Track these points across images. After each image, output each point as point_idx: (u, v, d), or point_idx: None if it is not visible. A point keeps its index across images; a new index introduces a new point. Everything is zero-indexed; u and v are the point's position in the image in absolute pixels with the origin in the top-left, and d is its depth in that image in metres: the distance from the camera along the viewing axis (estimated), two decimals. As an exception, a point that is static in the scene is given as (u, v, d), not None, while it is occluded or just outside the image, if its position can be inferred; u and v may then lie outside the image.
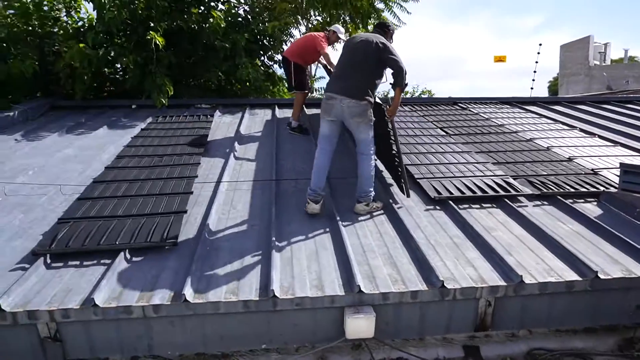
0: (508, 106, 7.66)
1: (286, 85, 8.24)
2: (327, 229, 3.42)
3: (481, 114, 6.97)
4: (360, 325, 2.61)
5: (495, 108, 7.46)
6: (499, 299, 2.79)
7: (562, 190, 4.04)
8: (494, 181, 4.21)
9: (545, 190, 4.02)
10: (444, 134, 5.89)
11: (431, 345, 2.95)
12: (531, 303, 2.83)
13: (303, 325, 2.71)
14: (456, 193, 3.96)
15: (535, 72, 11.64)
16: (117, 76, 8.01)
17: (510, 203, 3.81)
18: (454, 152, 5.07)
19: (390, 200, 3.90)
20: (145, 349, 2.65)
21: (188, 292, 2.57)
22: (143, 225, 3.31)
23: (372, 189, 3.62)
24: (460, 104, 7.71)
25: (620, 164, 3.80)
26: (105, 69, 7.56)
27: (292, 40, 8.90)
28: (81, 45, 6.45)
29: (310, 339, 2.76)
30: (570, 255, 2.98)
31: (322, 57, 5.71)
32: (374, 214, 3.63)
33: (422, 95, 20.35)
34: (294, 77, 5.75)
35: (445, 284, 2.68)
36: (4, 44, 6.85)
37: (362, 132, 3.57)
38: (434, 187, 4.08)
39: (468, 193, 3.96)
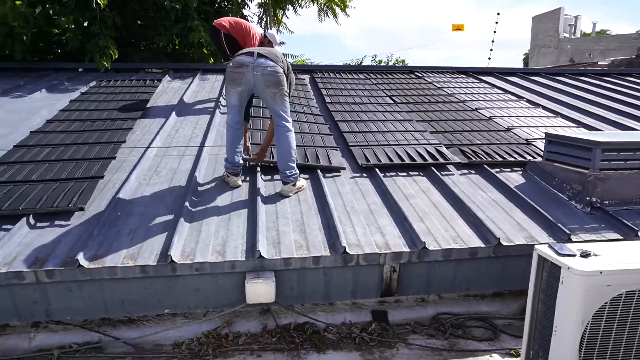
0: (464, 76, 7.62)
1: None
2: (246, 196, 3.37)
3: (434, 83, 6.93)
4: (259, 290, 2.61)
5: (450, 78, 7.42)
6: (403, 265, 2.82)
7: (490, 159, 4.06)
8: (427, 150, 4.20)
9: (473, 159, 4.03)
10: (392, 102, 5.84)
11: (340, 310, 2.98)
12: (437, 269, 2.87)
13: (205, 291, 2.69)
14: (385, 161, 3.94)
15: (493, 41, 11.56)
16: (63, 38, 7.65)
17: (436, 171, 3.82)
18: (395, 121, 5.03)
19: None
20: (43, 314, 2.61)
21: (84, 257, 2.52)
22: (54, 191, 3.22)
23: (294, 165, 3.39)
24: (416, 73, 7.64)
25: (546, 134, 3.83)
26: (51, 30, 7.19)
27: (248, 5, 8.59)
28: (17, 2, 6.10)
29: (213, 304, 2.75)
30: (479, 223, 3.01)
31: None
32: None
33: (396, 65, 20.26)
34: (226, 47, 5.57)
35: (347, 250, 2.68)
36: None
37: (277, 103, 3.31)
38: (364, 154, 4.06)
39: (397, 161, 3.95)
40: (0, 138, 4.26)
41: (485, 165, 3.95)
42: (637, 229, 2.98)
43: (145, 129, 4.74)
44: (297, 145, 4.06)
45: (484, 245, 2.83)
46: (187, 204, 3.12)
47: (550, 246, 2.20)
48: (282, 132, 3.34)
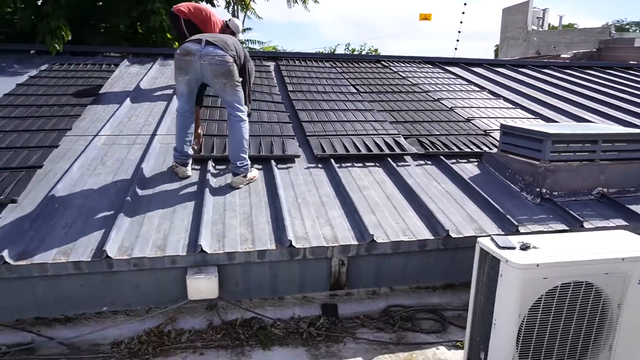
0: (430, 66, 7.61)
1: None
2: (195, 188, 3.25)
3: (400, 73, 6.89)
4: (201, 286, 2.51)
5: (416, 67, 7.39)
6: (352, 258, 2.77)
7: (447, 150, 4.05)
8: (384, 140, 4.16)
9: (430, 150, 4.01)
10: (355, 91, 5.77)
11: (290, 305, 2.91)
12: (386, 262, 2.84)
13: (145, 287, 2.58)
14: (341, 151, 3.88)
15: (459, 32, 11.66)
16: (15, 18, 7.24)
17: (392, 162, 3.78)
18: (356, 110, 4.97)
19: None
20: (-32, 313, 2.45)
21: (9, 254, 2.37)
22: (-14, 181, 3.02)
23: (246, 157, 3.28)
24: (383, 62, 7.59)
25: (501, 125, 3.83)
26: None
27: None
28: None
29: (154, 301, 2.64)
30: (430, 215, 2.99)
31: None
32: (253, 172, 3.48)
33: (369, 54, 20.23)
34: (186, 33, 5.39)
35: (294, 244, 2.61)
36: None
37: (228, 94, 3.16)
38: (321, 144, 3.98)
39: (353, 151, 3.89)
40: None
41: (441, 156, 3.94)
42: (582, 219, 3.01)
43: (96, 116, 4.52)
44: (252, 135, 3.97)
45: (433, 238, 2.80)
46: (130, 196, 2.98)
47: (492, 239, 2.18)
48: (234, 121, 3.23)
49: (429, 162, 3.92)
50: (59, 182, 3.14)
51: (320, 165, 3.74)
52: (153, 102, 5.12)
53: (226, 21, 5.64)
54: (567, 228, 2.98)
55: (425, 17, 11.19)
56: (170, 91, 5.45)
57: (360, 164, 3.80)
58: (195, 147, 3.64)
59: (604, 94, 6.45)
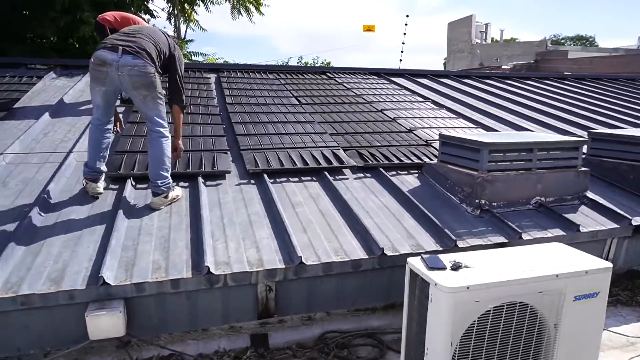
0: (375, 77, 7.57)
1: None
2: (109, 209, 2.92)
3: (344, 84, 6.78)
4: (102, 324, 2.19)
5: (361, 78, 7.32)
6: (280, 283, 2.53)
7: (387, 162, 3.91)
8: (323, 153, 3.97)
9: (370, 162, 3.86)
10: (297, 103, 5.58)
11: (215, 337, 2.62)
12: (318, 285, 2.62)
13: (37, 328, 2.23)
14: (276, 165, 3.65)
15: (403, 43, 11.80)
16: None
17: (329, 176, 3.59)
18: (296, 122, 4.77)
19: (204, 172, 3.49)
20: None
21: None
22: None
23: (167, 175, 2.98)
24: (328, 74, 7.48)
25: (440, 135, 3.74)
26: None
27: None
28: None
29: (52, 343, 2.29)
30: (365, 232, 2.80)
31: None
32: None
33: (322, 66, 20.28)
34: None
35: (212, 270, 2.34)
36: None
37: (149, 107, 2.89)
38: (255, 159, 3.74)
39: (288, 165, 3.67)
40: None
41: (381, 169, 3.79)
42: (520, 231, 2.92)
43: (7, 133, 4.08)
44: (182, 150, 3.68)
45: (367, 257, 2.61)
46: (27, 221, 2.62)
47: (422, 259, 2.01)
48: (155, 137, 2.94)
49: (368, 175, 3.76)
50: (-56, 208, 2.72)
51: (252, 181, 3.49)
52: (77, 116, 4.73)
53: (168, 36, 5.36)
54: (505, 240, 2.88)
55: (369, 29, 11.26)
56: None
57: (296, 179, 3.59)
58: (119, 131, 3.47)
59: (542, 103, 6.60)
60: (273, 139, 4.24)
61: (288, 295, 2.58)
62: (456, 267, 1.92)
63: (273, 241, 2.70)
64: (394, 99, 6.12)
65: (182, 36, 9.32)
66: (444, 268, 1.91)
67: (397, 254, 2.65)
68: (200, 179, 3.35)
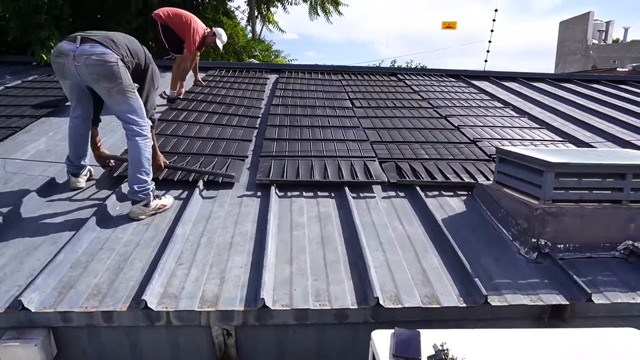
0: (453, 79, 6.68)
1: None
2: (86, 214, 2.62)
3: (413, 87, 6.03)
4: (18, 356, 1.85)
5: (435, 81, 6.49)
6: (241, 328, 2.00)
7: (429, 179, 3.17)
8: (353, 164, 3.35)
9: (406, 179, 3.15)
10: (349, 106, 5.00)
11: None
12: (291, 336, 2.03)
13: (-41, 350, 1.95)
14: (291, 177, 3.12)
15: (490, 42, 10.45)
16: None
17: (349, 193, 2.96)
18: (338, 127, 4.20)
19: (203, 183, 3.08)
20: None
21: None
22: None
23: (147, 179, 2.62)
24: (399, 75, 6.76)
25: (497, 149, 2.90)
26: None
27: None
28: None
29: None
30: (365, 272, 2.14)
31: (184, 50, 4.91)
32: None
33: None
34: (164, 39, 4.93)
35: (149, 304, 1.89)
36: None
37: (117, 102, 2.53)
38: (270, 168, 3.24)
39: (304, 177, 3.12)
40: None
41: (418, 187, 3.06)
42: (591, 290, 2.04)
43: (43, 128, 4.10)
44: (195, 153, 3.34)
45: (356, 307, 1.96)
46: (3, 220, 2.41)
47: (395, 335, 1.35)
48: (130, 136, 2.60)
49: (401, 194, 3.06)
50: None
51: (259, 194, 3.00)
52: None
53: (213, 29, 5.18)
54: (565, 302, 2.03)
55: (449, 26, 10.18)
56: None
57: (311, 194, 3.02)
58: (111, 166, 3.06)
59: (665, 113, 5.22)
60: (302, 145, 3.72)
61: (253, 343, 2.04)
62: (438, 358, 1.23)
63: (245, 273, 2.17)
64: (466, 104, 5.24)
65: (258, 36, 9.22)
66: (417, 359, 1.23)
67: (399, 306, 1.96)
68: (198, 188, 2.95)
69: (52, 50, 2.53)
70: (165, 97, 5.13)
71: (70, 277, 2.09)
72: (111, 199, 2.78)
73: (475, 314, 2.00)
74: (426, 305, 1.98)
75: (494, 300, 2.01)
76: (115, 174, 3.06)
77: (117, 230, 2.50)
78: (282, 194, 2.99)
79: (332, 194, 3.02)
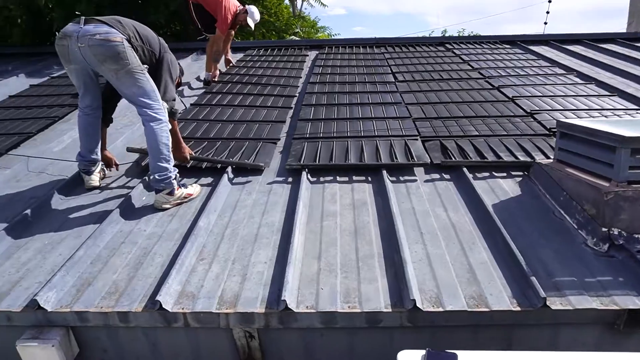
0: (508, 46, 6.10)
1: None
2: (112, 206, 2.54)
3: (462, 56, 5.55)
4: (36, 356, 1.79)
5: (487, 49, 5.95)
6: (263, 331, 1.83)
7: (479, 159, 2.83)
8: (392, 144, 3.07)
9: (452, 159, 2.83)
10: (392, 80, 4.66)
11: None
12: (318, 339, 1.84)
13: (-12, 347, 1.94)
14: (324, 160, 2.90)
15: (550, 1, 9.28)
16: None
17: (388, 177, 2.69)
18: (378, 104, 3.90)
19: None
20: None
21: None
22: None
23: (168, 167, 2.48)
24: (447, 44, 6.27)
25: (557, 122, 2.51)
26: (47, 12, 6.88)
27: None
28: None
29: (5, 365, 1.99)
30: (402, 269, 1.90)
31: (217, 29, 4.69)
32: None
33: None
34: (197, 19, 4.78)
35: (165, 305, 1.76)
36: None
37: (126, 84, 2.38)
38: (302, 152, 3.03)
39: (339, 161, 2.88)
40: None
41: (465, 168, 2.74)
42: (678, 294, 1.68)
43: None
44: (225, 138, 3.20)
45: (390, 310, 1.73)
46: (23, 216, 2.38)
47: (427, 356, 1.11)
48: (145, 122, 2.47)
49: (447, 177, 2.75)
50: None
51: (290, 180, 2.80)
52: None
53: (245, 7, 4.98)
54: (644, 307, 1.69)
55: None
56: (182, 88, 4.89)
57: (345, 178, 2.78)
58: (109, 170, 2.96)
59: None
60: (338, 125, 3.47)
61: (278, 346, 1.87)
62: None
63: (269, 269, 1.99)
64: (522, 73, 4.73)
65: (299, 12, 8.91)
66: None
67: (439, 309, 1.71)
68: (227, 175, 2.80)
69: (57, 34, 2.41)
70: (201, 80, 5.03)
71: (89, 273, 2.01)
72: (137, 189, 2.69)
73: (531, 320, 1.71)
74: (472, 309, 1.71)
75: (555, 303, 1.70)
76: (143, 163, 2.97)
77: (140, 222, 2.40)
78: (315, 179, 2.78)
79: (369, 178, 2.77)
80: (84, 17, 2.34)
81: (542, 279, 1.82)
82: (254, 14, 4.91)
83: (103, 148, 2.85)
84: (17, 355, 1.83)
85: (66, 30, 2.33)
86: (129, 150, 3.04)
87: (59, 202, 2.62)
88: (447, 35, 18.93)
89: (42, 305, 1.79)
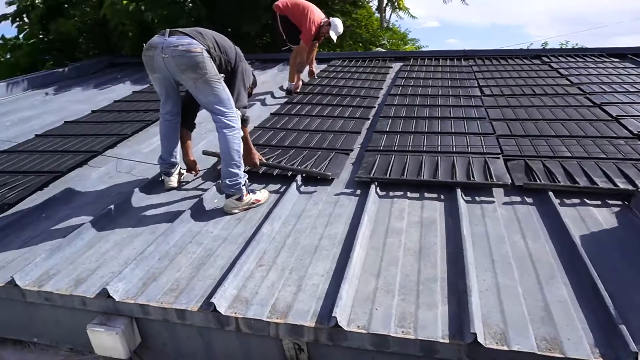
0: (616, 60, 5.50)
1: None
2: (184, 207, 2.67)
3: (560, 70, 5.11)
4: (103, 340, 1.91)
5: (590, 62, 5.41)
6: (313, 345, 1.78)
7: (569, 183, 2.55)
8: (470, 161, 2.88)
9: (537, 182, 2.58)
10: (478, 94, 4.41)
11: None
12: (370, 358, 1.75)
13: (66, 325, 2.11)
14: (395, 175, 2.79)
15: None
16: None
17: (462, 196, 2.53)
18: (460, 119, 3.71)
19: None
20: None
21: None
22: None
23: (238, 173, 2.56)
24: (543, 58, 5.82)
25: (668, 146, 2.17)
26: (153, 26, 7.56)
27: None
28: (125, 1, 6.47)
29: (79, 343, 2.15)
30: (465, 299, 1.74)
31: (301, 40, 4.79)
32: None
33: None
34: (282, 29, 4.92)
35: (219, 308, 1.78)
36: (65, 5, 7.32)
37: (204, 92, 2.51)
38: (373, 164, 2.96)
39: (412, 176, 2.76)
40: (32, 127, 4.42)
41: (551, 193, 2.47)
42: None
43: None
44: (300, 147, 3.24)
45: (447, 341, 1.59)
46: (106, 210, 2.59)
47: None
48: (218, 128, 2.57)
49: (529, 200, 2.51)
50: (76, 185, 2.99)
51: (357, 192, 2.74)
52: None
53: (329, 19, 5.04)
54: None
55: None
56: (264, 97, 5.08)
57: (416, 194, 2.66)
58: (192, 173, 3.06)
59: None
60: (415, 139, 3.35)
61: (327, 362, 1.81)
62: None
63: (325, 282, 1.95)
64: (631, 90, 4.22)
65: (387, 24, 8.86)
66: None
67: (504, 348, 1.54)
68: (295, 184, 2.81)
69: (144, 45, 2.60)
70: (284, 90, 5.17)
71: (156, 269, 2.11)
72: (210, 192, 2.81)
73: (616, 374, 1.47)
74: (543, 352, 1.51)
75: (648, 358, 1.45)
76: (218, 167, 3.09)
77: (209, 224, 2.49)
78: (384, 193, 2.69)
79: (441, 196, 2.62)
80: (168, 30, 2.50)
81: (635, 329, 1.56)
82: (337, 27, 4.94)
83: (187, 154, 2.99)
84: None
85: (152, 42, 2.51)
86: (205, 153, 3.18)
87: (140, 199, 2.81)
88: (547, 47, 17.69)
89: (111, 295, 1.90)
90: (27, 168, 3.25)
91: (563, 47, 17.69)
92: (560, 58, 5.73)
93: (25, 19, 7.63)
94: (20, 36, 7.78)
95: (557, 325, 1.62)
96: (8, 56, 8.00)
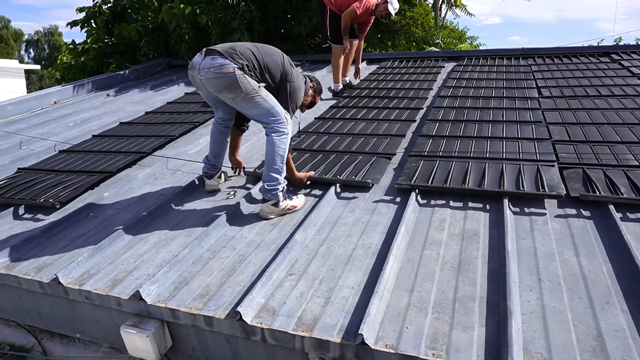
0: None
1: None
2: (221, 212, 2.68)
3: (632, 69, 4.68)
4: (135, 342, 1.95)
5: (668, 60, 4.92)
6: (339, 361, 1.71)
7: (634, 195, 2.29)
8: (521, 169, 2.68)
9: (596, 193, 2.35)
10: (535, 96, 4.13)
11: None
12: (402, 381, 1.65)
13: (104, 324, 2.19)
14: (438, 182, 2.65)
15: None
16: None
17: (509, 207, 2.35)
18: (513, 122, 3.48)
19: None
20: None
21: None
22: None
23: (279, 178, 2.54)
24: (612, 55, 5.36)
25: None
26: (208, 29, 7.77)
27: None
28: (182, 5, 6.71)
29: (117, 341, 2.21)
30: (506, 319, 1.60)
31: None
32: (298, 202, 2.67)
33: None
34: (328, 26, 4.80)
35: (244, 317, 1.76)
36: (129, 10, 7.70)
37: (246, 108, 2.51)
38: (415, 170, 2.83)
39: (456, 184, 2.61)
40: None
41: (611, 206, 2.24)
42: None
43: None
44: (339, 151, 3.18)
45: (479, 367, 1.47)
46: (147, 212, 2.66)
47: None
48: (267, 132, 2.56)
49: (585, 214, 2.29)
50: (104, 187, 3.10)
51: (397, 199, 2.63)
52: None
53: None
54: None
55: None
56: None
57: (459, 204, 2.51)
58: (237, 173, 3.10)
59: None
60: (462, 144, 3.18)
61: (355, 381, 1.73)
62: None
63: (355, 295, 1.87)
64: None
65: (442, 22, 8.56)
66: None
67: (544, 381, 1.39)
68: (334, 189, 2.75)
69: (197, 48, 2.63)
70: (331, 91, 5.11)
71: (189, 273, 2.12)
72: (248, 196, 2.80)
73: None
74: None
75: None
76: (259, 170, 3.09)
77: (243, 229, 2.48)
78: (424, 201, 2.56)
79: (487, 207, 2.45)
80: (205, 49, 2.50)
81: None
82: (394, 2, 4.69)
83: (234, 152, 3.02)
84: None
85: (193, 62, 2.54)
86: (237, 160, 3.18)
87: (180, 201, 2.87)
88: (621, 43, 16.39)
89: (143, 297, 1.94)
90: (81, 168, 3.42)
91: (617, 42, 16.31)
92: (632, 55, 5.26)
93: (93, 24, 8.12)
94: (88, 40, 8.30)
95: (611, 358, 1.44)
96: (82, 59, 8.53)
